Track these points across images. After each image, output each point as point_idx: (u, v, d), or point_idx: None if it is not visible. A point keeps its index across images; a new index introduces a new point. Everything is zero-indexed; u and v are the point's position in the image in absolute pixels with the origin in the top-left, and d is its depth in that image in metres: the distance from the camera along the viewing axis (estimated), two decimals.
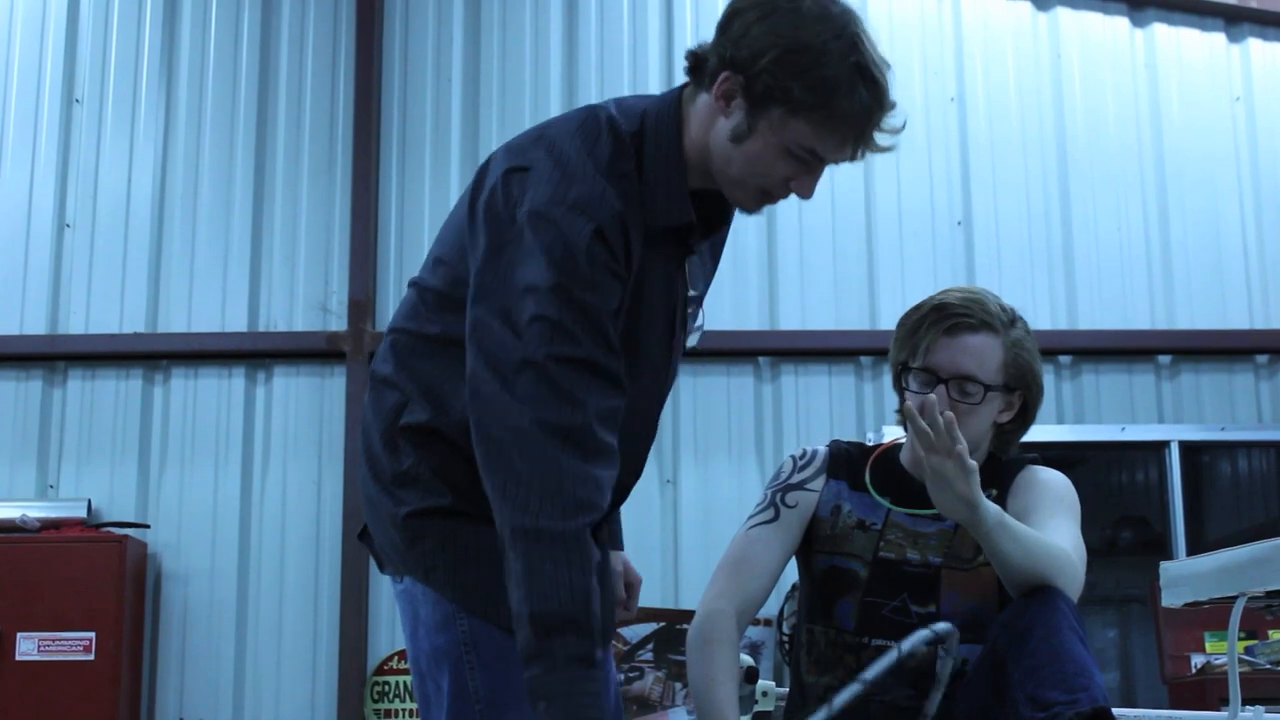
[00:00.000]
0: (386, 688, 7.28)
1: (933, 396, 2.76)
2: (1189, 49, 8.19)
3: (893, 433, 4.04)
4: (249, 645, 7.40)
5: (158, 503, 7.50)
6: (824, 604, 3.01)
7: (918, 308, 3.00)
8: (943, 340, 2.92)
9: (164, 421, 7.61)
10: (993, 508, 2.72)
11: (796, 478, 3.08)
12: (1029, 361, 3.00)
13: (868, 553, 2.98)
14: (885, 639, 2.89)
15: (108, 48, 8.00)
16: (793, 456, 3.13)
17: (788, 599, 3.19)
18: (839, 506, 3.04)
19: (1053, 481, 3.04)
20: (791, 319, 7.68)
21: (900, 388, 3.01)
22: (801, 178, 2.34)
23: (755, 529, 3.01)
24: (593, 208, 2.22)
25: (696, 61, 2.31)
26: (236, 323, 7.69)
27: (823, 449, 3.13)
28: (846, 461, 3.09)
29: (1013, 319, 3.00)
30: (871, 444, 3.16)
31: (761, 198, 2.39)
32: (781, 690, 3.96)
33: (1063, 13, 8.22)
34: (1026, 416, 3.07)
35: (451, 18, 8.08)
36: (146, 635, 7.35)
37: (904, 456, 3.07)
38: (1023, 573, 2.75)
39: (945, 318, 2.94)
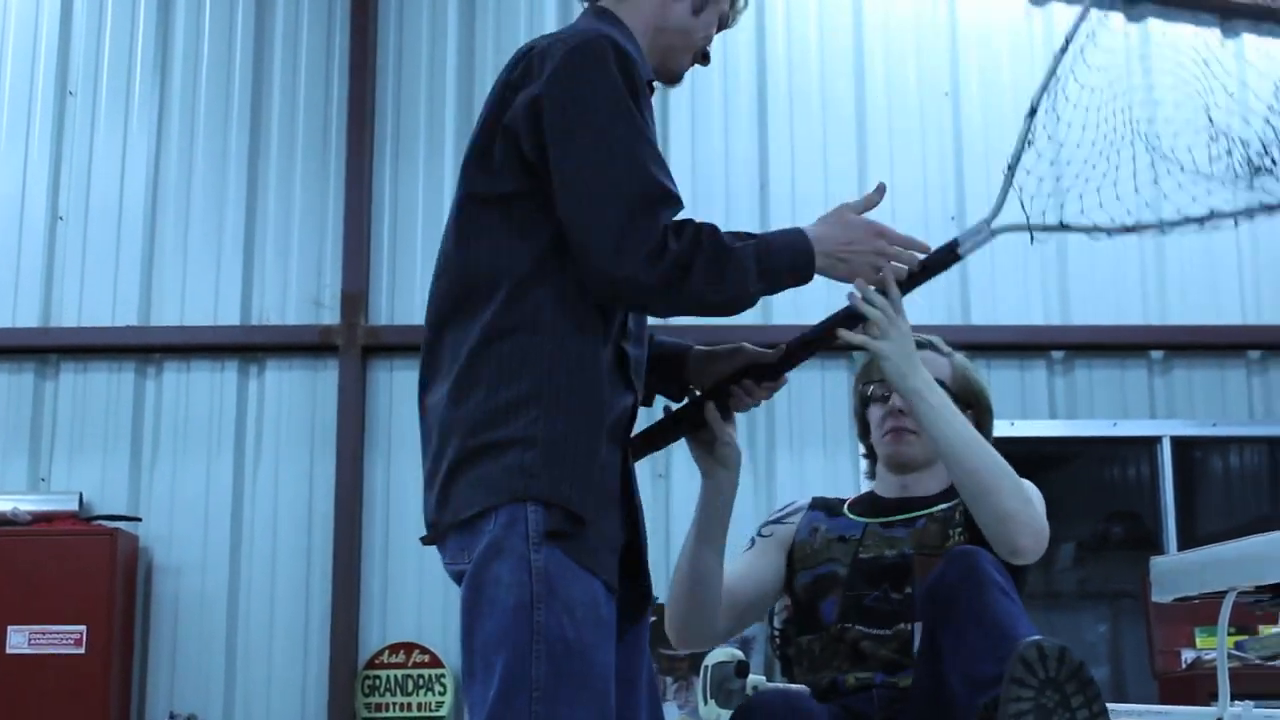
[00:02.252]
0: (378, 681, 7.28)
1: (860, 288, 2.84)
2: (1182, 43, 8.18)
3: None
4: (240, 638, 7.40)
5: (149, 496, 7.50)
6: (810, 613, 3.13)
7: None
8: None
9: (156, 415, 7.61)
10: (940, 393, 2.88)
11: (775, 516, 3.32)
12: (977, 383, 3.23)
13: (848, 556, 3.12)
14: (868, 626, 3.00)
15: (101, 40, 8.00)
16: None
17: (785, 598, 3.23)
18: (817, 528, 3.22)
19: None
20: (785, 313, 7.68)
21: (864, 425, 3.27)
22: (710, 42, 2.83)
23: (734, 560, 3.20)
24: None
25: None
26: (229, 316, 7.69)
27: (805, 500, 3.35)
28: (825, 503, 3.31)
29: (951, 353, 3.25)
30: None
31: (693, 61, 2.82)
32: (773, 685, 3.96)
33: (1057, 8, 8.22)
34: (981, 434, 3.14)
35: (446, 9, 8.07)
36: (138, 628, 7.35)
37: (878, 488, 3.26)
38: (962, 462, 2.84)
39: None
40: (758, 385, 2.79)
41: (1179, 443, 7.83)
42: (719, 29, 2.83)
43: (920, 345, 3.08)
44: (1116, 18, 7.99)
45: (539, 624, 2.37)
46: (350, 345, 7.54)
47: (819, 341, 2.84)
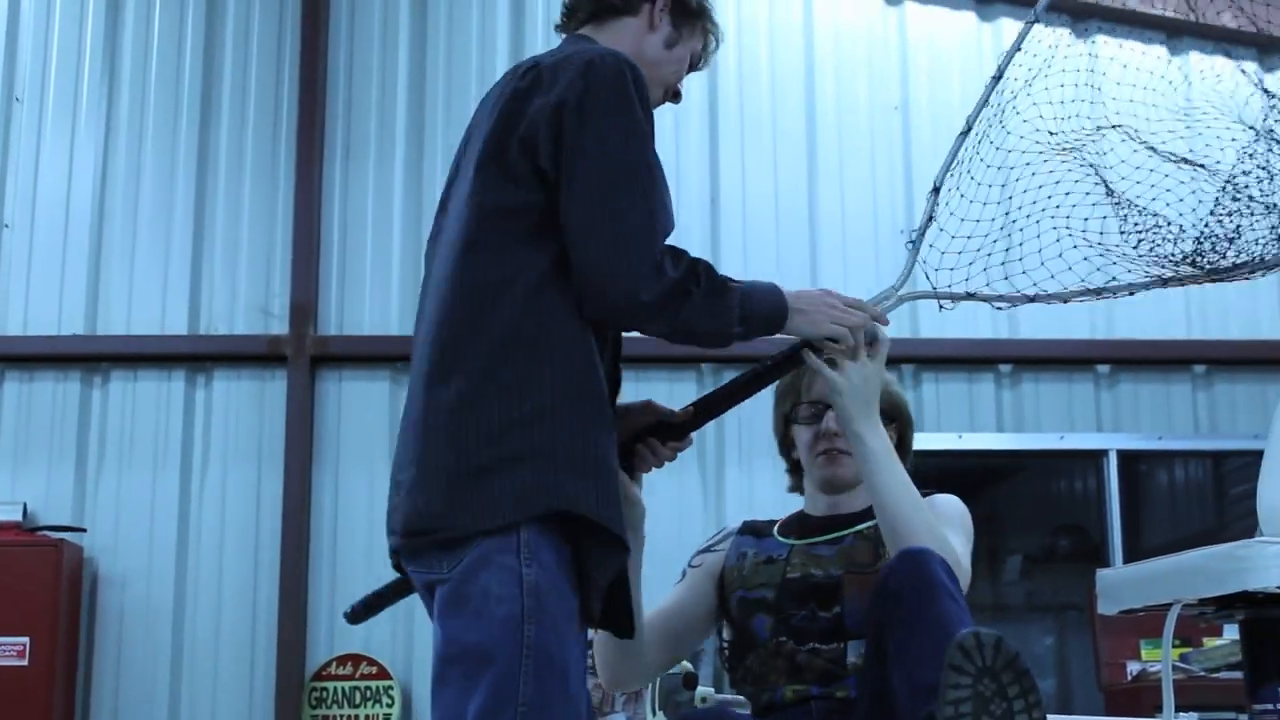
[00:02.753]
0: (325, 692, 7.24)
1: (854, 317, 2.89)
2: (1130, 60, 8.24)
3: None
4: (186, 650, 7.34)
5: (95, 506, 7.44)
6: (741, 632, 3.18)
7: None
8: (818, 376, 3.09)
9: (102, 424, 7.55)
10: (883, 437, 2.93)
11: (705, 545, 3.35)
12: (899, 396, 3.29)
13: (775, 578, 3.16)
14: (798, 642, 3.05)
15: (49, 46, 7.94)
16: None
17: (728, 618, 3.26)
18: (745, 553, 3.26)
19: (948, 504, 3.19)
20: None
21: (787, 443, 3.32)
22: (682, 79, 2.97)
23: (668, 593, 3.26)
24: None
25: (600, 3, 2.88)
26: (177, 325, 7.64)
27: (735, 525, 3.39)
28: (754, 527, 3.35)
29: None
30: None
31: (663, 98, 2.94)
32: (721, 696, 3.97)
33: (1006, 24, 8.28)
34: (904, 448, 3.24)
35: (398, 19, 8.05)
36: (82, 640, 7.29)
37: (806, 507, 3.30)
38: (887, 509, 2.89)
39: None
40: (663, 445, 2.83)
41: (1125, 456, 7.89)
42: (690, 68, 2.95)
43: None
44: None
45: (529, 638, 2.39)
46: (299, 355, 7.50)
47: (729, 401, 2.93)
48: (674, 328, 2.56)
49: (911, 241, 3.12)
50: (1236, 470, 8.48)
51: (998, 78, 3.30)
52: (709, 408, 2.85)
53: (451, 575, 2.44)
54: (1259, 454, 3.68)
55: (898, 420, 3.22)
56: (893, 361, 3.25)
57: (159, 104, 7.88)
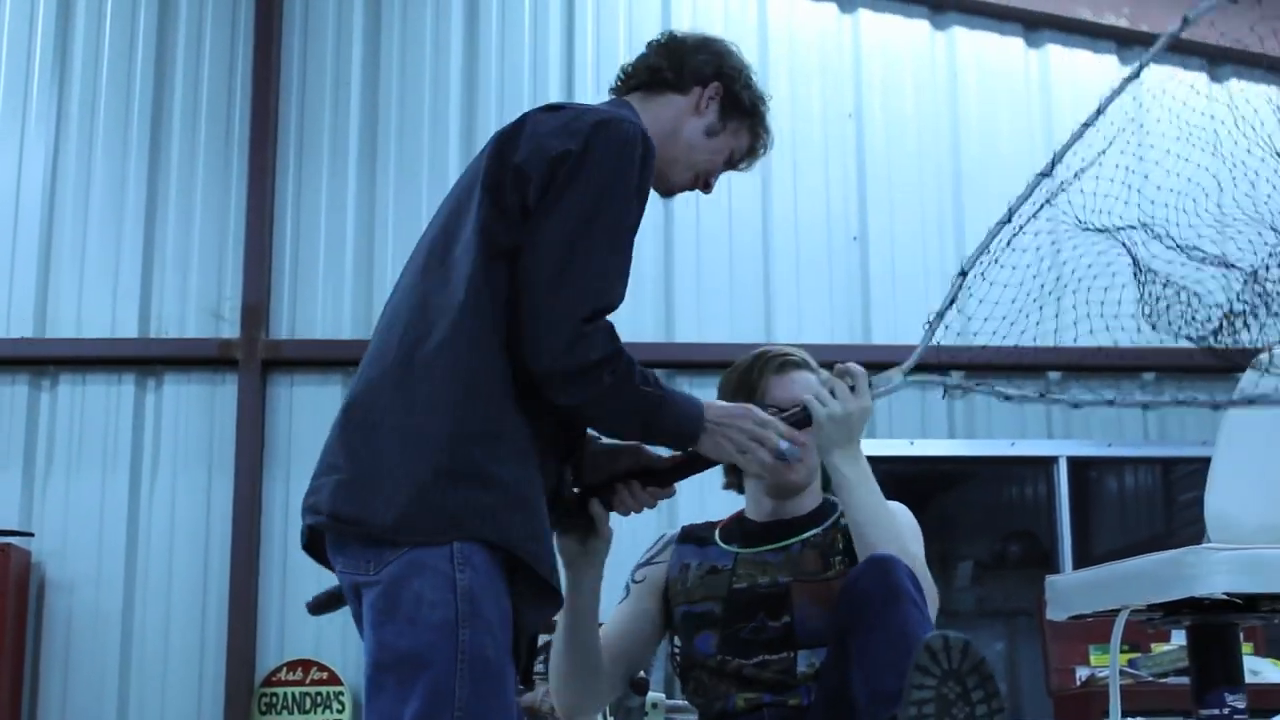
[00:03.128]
0: (275, 698, 7.20)
1: (855, 365, 2.99)
2: (1082, 70, 8.32)
3: None
4: (134, 654, 7.29)
5: (42, 510, 7.38)
6: (688, 647, 3.17)
7: (740, 362, 3.29)
8: (775, 379, 3.19)
9: (50, 428, 7.49)
10: (863, 466, 2.98)
11: (645, 558, 3.32)
12: None
13: (721, 590, 3.14)
14: (743, 658, 3.05)
15: None
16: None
17: (675, 629, 3.26)
18: (687, 564, 3.23)
19: (901, 514, 3.20)
20: (688, 331, 7.71)
21: None
22: (719, 174, 2.95)
23: (613, 611, 3.26)
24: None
25: (655, 74, 2.88)
26: (127, 328, 7.58)
27: (674, 531, 3.37)
28: (695, 533, 3.33)
29: (816, 368, 3.30)
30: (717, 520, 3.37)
31: (693, 182, 2.92)
32: (672, 702, 3.97)
33: (959, 32, 8.32)
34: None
35: (351, 19, 8.03)
36: (29, 645, 7.22)
37: (748, 511, 3.29)
38: (865, 535, 2.94)
39: (773, 359, 3.24)
40: (642, 489, 2.82)
41: (1075, 463, 7.94)
42: (728, 165, 2.95)
43: (796, 365, 3.20)
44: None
45: (464, 643, 2.40)
46: (250, 359, 7.46)
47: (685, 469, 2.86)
48: (577, 405, 2.55)
49: (928, 323, 3.11)
50: (1185, 477, 8.55)
51: (1047, 173, 3.19)
52: (695, 460, 2.81)
53: (380, 578, 2.45)
54: (1207, 461, 3.72)
55: None
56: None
57: (110, 105, 7.83)
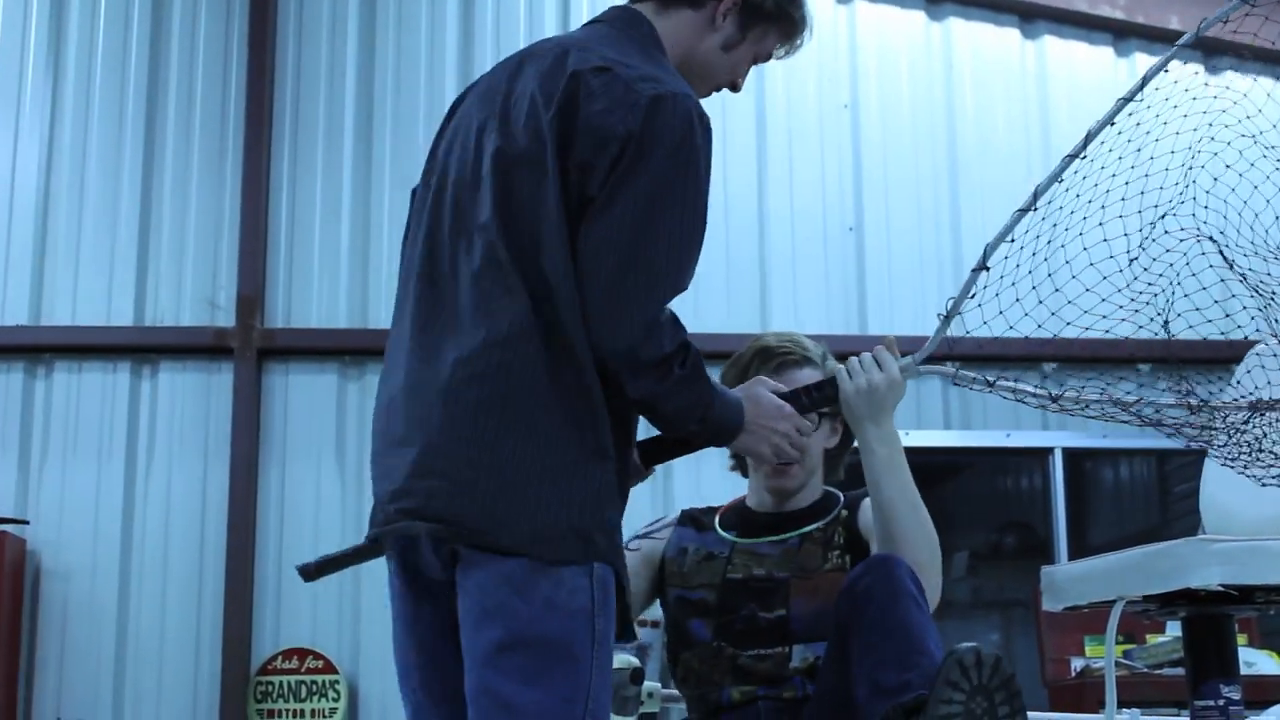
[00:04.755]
0: (270, 687, 7.20)
1: (888, 339, 3.02)
2: (1078, 62, 8.32)
3: None
4: (130, 643, 7.28)
5: (38, 498, 7.37)
6: (680, 631, 3.17)
7: (740, 356, 3.26)
8: (772, 379, 3.09)
9: (45, 416, 7.48)
10: (893, 446, 2.94)
11: (643, 531, 3.32)
12: None
13: (716, 578, 3.15)
14: (741, 648, 3.05)
15: None
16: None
17: (666, 612, 3.26)
18: (685, 548, 3.24)
19: None
20: (685, 321, 7.70)
21: None
22: (745, 75, 2.83)
23: None
24: None
25: None
26: (122, 316, 7.57)
27: (674, 514, 3.37)
28: (694, 516, 3.33)
29: (825, 354, 3.28)
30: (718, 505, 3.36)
31: (714, 92, 2.80)
32: (668, 691, 3.97)
33: (955, 23, 8.31)
34: (847, 441, 3.29)
35: (347, 10, 8.01)
36: (24, 633, 7.21)
37: (750, 500, 3.29)
38: (893, 520, 2.92)
39: (771, 358, 3.20)
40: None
41: (1070, 454, 7.95)
42: (757, 62, 2.82)
43: (795, 363, 3.19)
44: None
45: (599, 632, 2.38)
46: (245, 348, 7.45)
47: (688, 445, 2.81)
48: (643, 396, 2.46)
49: (944, 314, 3.05)
50: (1181, 469, 8.55)
51: (1074, 156, 3.05)
52: (678, 442, 2.77)
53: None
54: (1202, 453, 3.72)
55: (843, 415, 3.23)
56: (839, 360, 3.26)
57: (105, 91, 7.81)
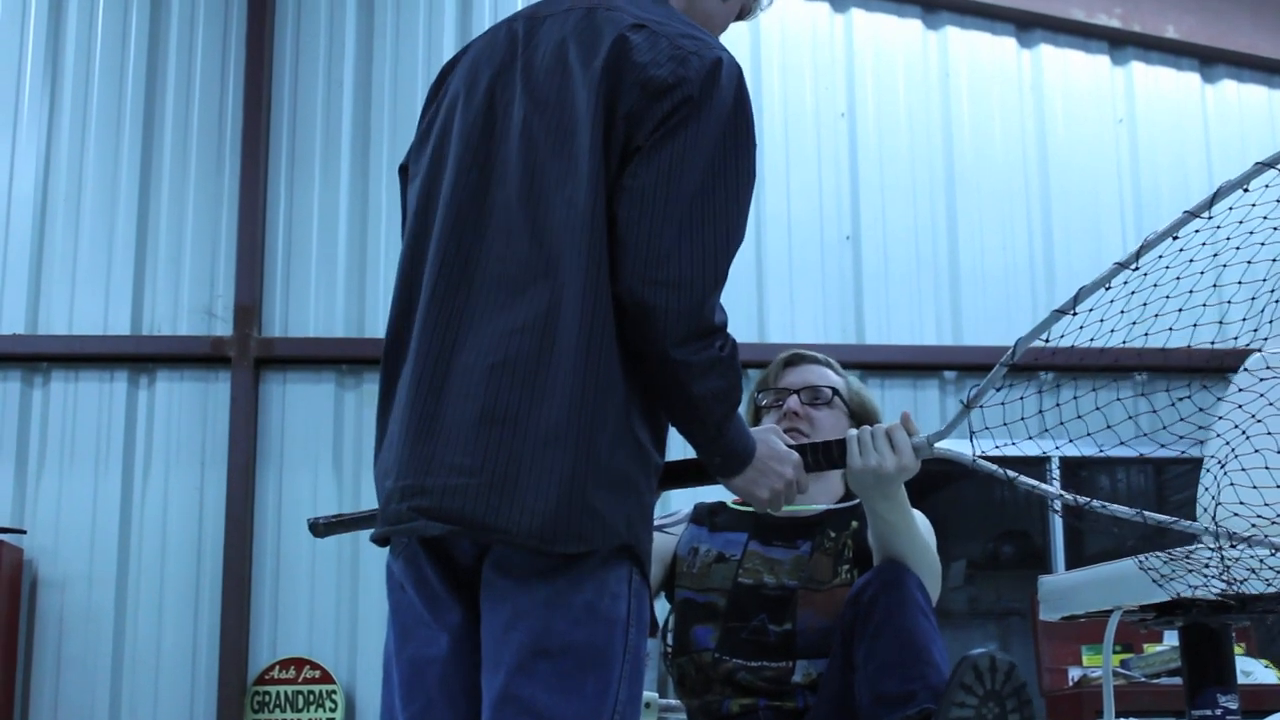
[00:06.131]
0: (267, 697, 7.20)
1: (909, 423, 2.92)
2: (1074, 70, 8.34)
3: None
4: (127, 653, 7.28)
5: (35, 507, 7.37)
6: (683, 635, 3.16)
7: (767, 367, 3.36)
8: (786, 370, 3.29)
9: (43, 425, 7.47)
10: (903, 511, 2.91)
11: (658, 522, 3.25)
12: (871, 403, 3.37)
13: (727, 582, 3.14)
14: (744, 659, 3.04)
15: None
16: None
17: (671, 612, 3.25)
18: (696, 548, 3.24)
19: (922, 523, 3.20)
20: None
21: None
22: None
23: None
24: None
25: None
26: (119, 326, 7.57)
27: (688, 509, 3.37)
28: (708, 512, 3.33)
29: (845, 374, 3.36)
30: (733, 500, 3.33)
31: None
32: (665, 701, 3.97)
33: (952, 32, 8.33)
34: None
35: (344, 20, 8.01)
36: (21, 643, 7.20)
37: None
38: (899, 560, 2.92)
39: (788, 356, 3.34)
40: None
41: (1068, 462, 7.94)
42: (738, 17, 2.83)
43: (816, 360, 3.28)
44: None
45: (631, 643, 2.28)
46: (243, 357, 7.45)
47: (693, 476, 2.69)
48: (683, 361, 2.29)
49: (966, 401, 2.93)
50: (1177, 478, 8.55)
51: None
52: (670, 475, 2.63)
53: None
54: (1199, 462, 3.72)
55: (867, 423, 3.20)
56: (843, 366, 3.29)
57: (102, 101, 7.81)
